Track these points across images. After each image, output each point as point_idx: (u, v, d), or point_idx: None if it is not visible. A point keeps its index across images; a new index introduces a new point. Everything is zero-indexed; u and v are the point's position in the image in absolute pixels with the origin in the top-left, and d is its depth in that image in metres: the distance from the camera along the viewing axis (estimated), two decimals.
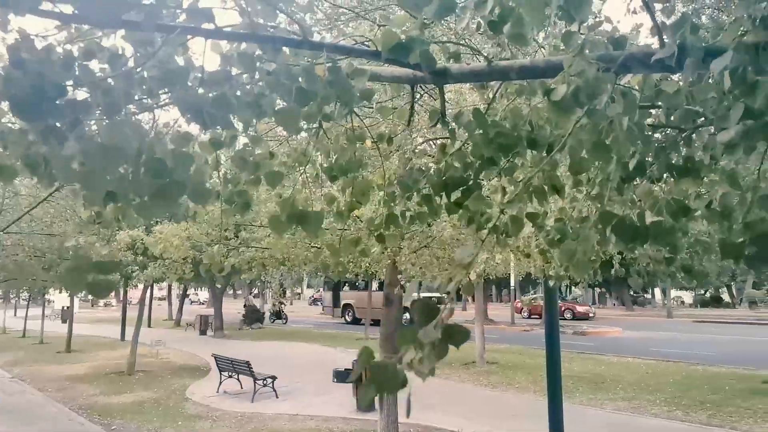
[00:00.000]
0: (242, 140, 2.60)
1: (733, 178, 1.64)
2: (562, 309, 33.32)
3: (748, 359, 17.28)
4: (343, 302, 35.38)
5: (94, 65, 1.69)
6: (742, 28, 1.16)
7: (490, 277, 17.75)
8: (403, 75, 1.78)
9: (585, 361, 17.84)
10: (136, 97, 1.76)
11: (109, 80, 1.59)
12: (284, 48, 1.77)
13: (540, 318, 33.77)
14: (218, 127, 1.89)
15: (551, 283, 6.80)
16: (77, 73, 1.45)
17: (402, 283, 9.54)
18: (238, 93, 1.74)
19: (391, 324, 8.83)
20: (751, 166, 1.81)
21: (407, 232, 8.45)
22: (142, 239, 10.59)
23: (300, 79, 1.52)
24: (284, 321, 35.25)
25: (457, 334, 1.11)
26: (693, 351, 19.72)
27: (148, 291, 22.56)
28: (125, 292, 27.48)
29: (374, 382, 1.03)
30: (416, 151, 4.98)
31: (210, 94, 1.57)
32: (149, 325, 30.60)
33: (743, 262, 1.70)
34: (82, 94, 1.69)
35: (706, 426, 10.17)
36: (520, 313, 37.66)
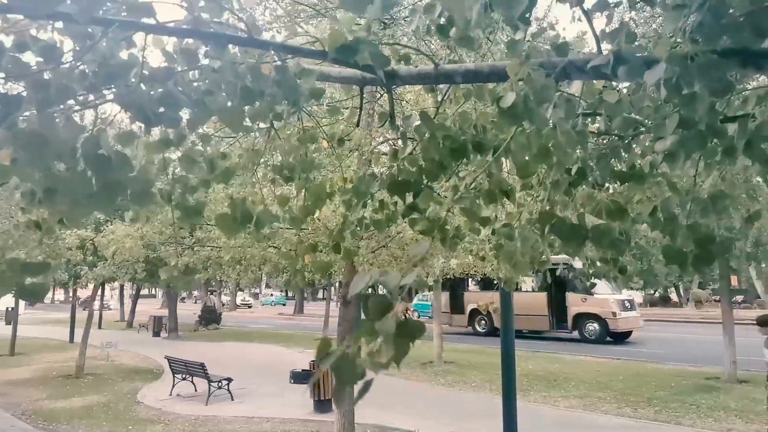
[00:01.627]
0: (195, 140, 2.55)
1: (673, 185, 1.69)
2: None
3: (693, 357, 18.02)
4: (469, 306, 26.40)
5: (30, 58, 1.62)
6: (674, 40, 1.21)
7: (448, 278, 17.91)
8: (352, 76, 1.78)
9: (539, 359, 18.22)
10: (78, 93, 1.70)
11: (46, 74, 1.53)
12: (232, 46, 1.74)
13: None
14: (164, 125, 1.85)
15: (504, 284, 6.92)
16: (9, 65, 1.39)
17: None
18: (183, 90, 1.70)
19: (348, 324, 8.81)
20: (689, 171, 1.88)
21: (365, 232, 8.46)
22: (92, 239, 10.25)
23: (246, 78, 1.49)
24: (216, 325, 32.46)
25: (412, 328, 1.11)
26: (642, 349, 20.43)
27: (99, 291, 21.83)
28: (74, 293, 26.53)
29: (334, 374, 1.03)
30: (374, 152, 5.00)
31: (153, 92, 1.53)
32: (100, 327, 29.65)
33: (687, 266, 1.77)
34: (15, 88, 1.62)
35: (653, 421, 10.54)
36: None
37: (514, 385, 7.90)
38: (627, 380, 14.46)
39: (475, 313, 26.28)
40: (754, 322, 10.17)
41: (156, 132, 2.12)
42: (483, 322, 26.06)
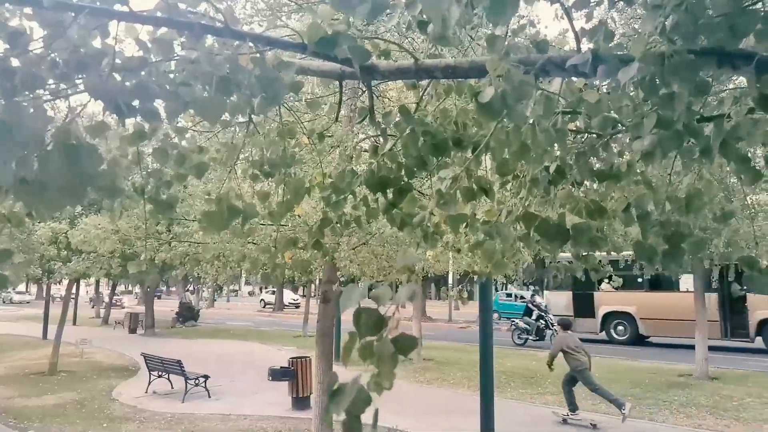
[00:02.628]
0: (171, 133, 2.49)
1: (649, 183, 1.71)
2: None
3: (666, 354, 18.36)
4: (603, 309, 21.73)
5: None
6: (651, 40, 1.21)
7: (429, 275, 18.02)
8: (331, 70, 1.76)
9: (517, 356, 18.39)
10: (49, 83, 1.65)
11: (13, 61, 1.48)
12: (209, 37, 1.70)
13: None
14: (138, 117, 1.81)
15: (481, 280, 6.97)
16: None
17: (341, 279, 9.51)
18: (157, 81, 1.67)
19: (328, 321, 8.78)
20: (666, 170, 1.90)
21: (345, 229, 8.43)
22: (65, 232, 10.04)
23: (223, 69, 1.46)
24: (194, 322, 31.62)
25: (405, 344, 1.09)
26: (616, 346, 20.73)
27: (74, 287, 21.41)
28: (48, 288, 26.02)
29: (339, 405, 1.00)
30: (357, 148, 4.95)
31: (128, 83, 1.49)
32: (75, 323, 29.10)
33: (658, 262, 1.78)
34: None
35: (627, 418, 10.69)
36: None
37: (491, 382, 7.96)
38: (602, 377, 14.63)
39: (610, 316, 21.58)
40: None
41: (131, 124, 2.08)
42: (621, 327, 21.40)
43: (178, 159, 1.87)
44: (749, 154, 1.93)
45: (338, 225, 2.21)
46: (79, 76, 1.63)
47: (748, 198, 11.02)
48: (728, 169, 4.29)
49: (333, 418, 0.97)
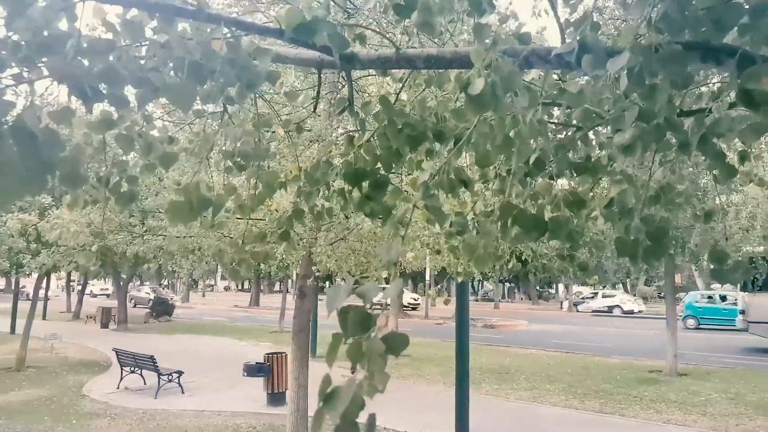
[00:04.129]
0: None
1: (630, 177, 1.70)
2: None
3: (637, 350, 18.71)
4: None
5: None
6: (638, 31, 1.19)
7: (406, 271, 17.98)
8: (310, 58, 1.71)
9: (492, 353, 18.54)
10: (10, 66, 1.57)
11: None
12: (182, 21, 1.64)
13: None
14: (109, 104, 1.73)
15: (460, 278, 6.98)
16: None
17: (317, 274, 9.43)
18: (127, 67, 1.59)
19: (304, 317, 8.71)
20: (645, 164, 1.89)
21: (323, 224, 8.36)
22: (35, 224, 9.77)
23: (196, 54, 1.40)
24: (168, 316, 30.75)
25: (396, 343, 1.04)
26: (590, 343, 21.07)
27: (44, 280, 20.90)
28: (17, 282, 25.36)
29: (335, 410, 0.94)
30: (337, 143, 4.89)
31: (94, 66, 1.42)
32: (44, 318, 28.44)
33: (639, 258, 1.78)
34: None
35: (598, 413, 10.86)
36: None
37: (467, 378, 7.99)
38: (574, 373, 14.87)
39: None
40: None
41: (98, 111, 1.99)
42: None
43: (145, 148, 1.80)
44: (725, 151, 1.93)
45: (310, 216, 2.15)
46: (43, 60, 1.56)
47: (717, 199, 11.27)
48: (702, 168, 4.34)
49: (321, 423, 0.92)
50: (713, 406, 11.20)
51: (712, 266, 1.96)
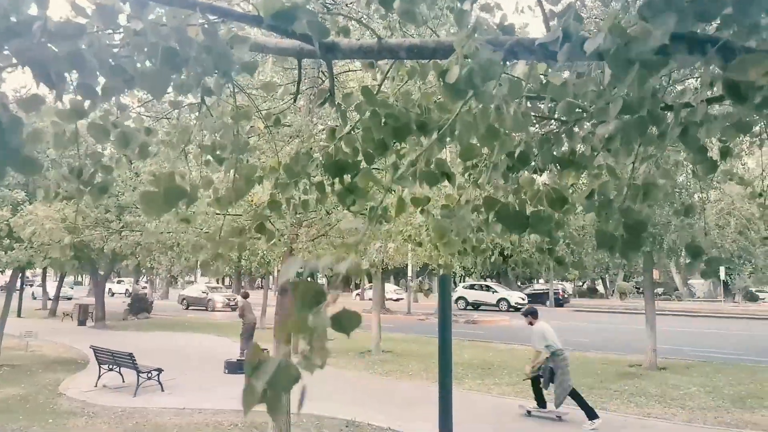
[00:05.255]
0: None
1: (612, 170, 1.69)
2: None
3: (617, 345, 18.96)
4: None
5: None
6: (621, 17, 1.18)
7: (389, 267, 17.99)
8: (290, 47, 1.66)
9: (475, 348, 18.64)
10: None
11: None
12: (156, 7, 1.58)
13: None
14: (78, 93, 1.67)
15: (441, 271, 6.99)
16: None
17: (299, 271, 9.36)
18: (99, 54, 1.53)
19: (286, 313, 8.64)
20: (628, 158, 1.89)
21: (305, 220, 8.29)
22: (7, 220, 9.54)
23: (170, 40, 1.35)
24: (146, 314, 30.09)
25: (347, 320, 1.01)
26: (570, 338, 21.28)
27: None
28: None
29: (262, 381, 0.91)
30: (317, 138, 4.84)
31: (61, 51, 1.36)
32: (19, 315, 27.88)
33: (617, 251, 1.77)
34: None
35: (579, 408, 10.97)
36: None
37: (450, 373, 7.99)
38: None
39: None
40: (523, 315, 10.71)
41: (69, 100, 1.93)
42: None
43: (120, 139, 1.73)
44: (706, 145, 1.94)
45: (286, 208, 2.11)
46: (7, 45, 1.49)
47: (696, 195, 11.44)
48: (682, 164, 4.38)
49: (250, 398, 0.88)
50: (692, 399, 11.39)
51: (688, 261, 1.96)
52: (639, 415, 10.37)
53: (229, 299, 35.62)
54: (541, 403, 10.30)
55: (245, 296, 17.51)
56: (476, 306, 37.83)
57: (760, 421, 9.83)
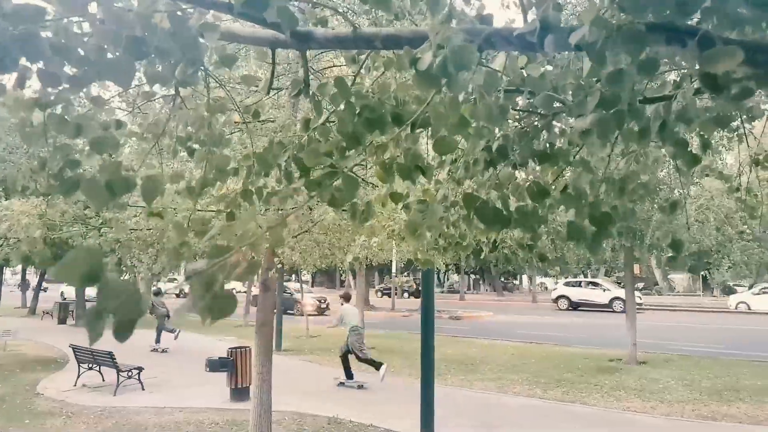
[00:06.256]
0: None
1: (587, 163, 1.67)
2: None
3: (598, 340, 19.17)
4: None
5: None
6: (601, 9, 1.15)
7: (372, 263, 18.03)
8: (263, 36, 1.62)
9: (458, 344, 18.70)
10: None
11: None
12: None
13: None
14: (42, 83, 1.61)
15: (422, 267, 6.97)
16: None
17: (281, 267, 9.29)
18: (67, 44, 1.47)
19: (268, 310, 8.58)
20: (605, 152, 1.87)
21: (287, 215, 8.22)
22: None
23: (135, 27, 1.29)
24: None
25: (223, 304, 1.06)
26: (553, 333, 21.49)
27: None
28: None
29: (106, 306, 0.90)
30: (294, 130, 4.75)
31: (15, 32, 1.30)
32: None
33: (585, 243, 1.76)
34: None
35: (560, 402, 11.06)
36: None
37: (432, 369, 8.00)
38: (538, 363, 15.13)
39: None
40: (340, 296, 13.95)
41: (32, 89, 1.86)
42: None
43: (74, 130, 1.67)
44: (688, 140, 1.93)
45: (258, 198, 2.06)
46: None
47: (677, 190, 11.57)
48: (663, 160, 4.40)
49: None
50: (670, 392, 11.55)
51: (669, 255, 1.96)
52: (618, 408, 10.48)
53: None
54: (349, 374, 12.41)
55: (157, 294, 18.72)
56: (578, 307, 32.03)
57: (735, 413, 10.00)
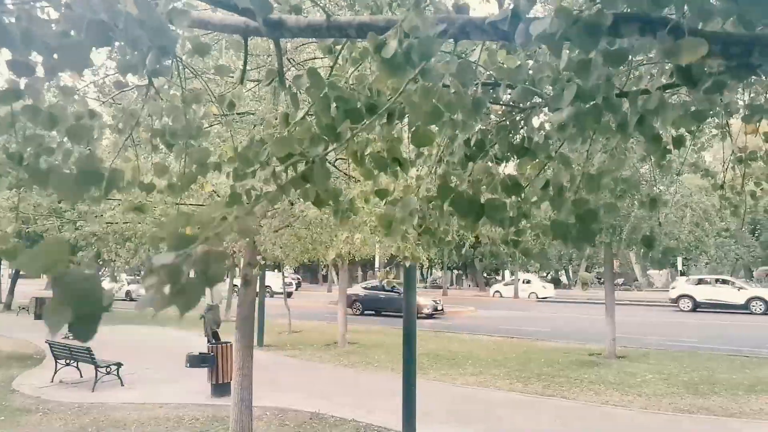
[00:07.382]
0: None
1: (566, 158, 1.67)
2: None
3: (578, 334, 19.39)
4: None
5: None
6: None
7: (356, 259, 17.99)
8: (235, 24, 1.58)
9: (441, 339, 18.78)
10: None
11: None
12: None
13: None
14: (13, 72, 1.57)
15: (407, 263, 6.96)
16: None
17: (262, 262, 9.22)
18: (37, 31, 1.43)
19: (249, 305, 8.51)
20: (583, 147, 1.87)
21: (268, 211, 8.15)
22: None
23: (98, 12, 1.25)
24: None
25: (187, 297, 1.00)
26: (534, 328, 21.68)
27: None
28: None
29: (63, 300, 0.84)
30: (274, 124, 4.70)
31: None
32: None
33: (570, 240, 1.76)
34: None
35: (540, 396, 11.17)
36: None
37: (414, 364, 8.01)
38: (519, 357, 15.25)
39: None
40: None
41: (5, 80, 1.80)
42: None
43: (47, 120, 1.62)
44: (661, 134, 1.94)
45: (247, 200, 2.03)
46: None
47: (655, 188, 11.70)
48: (634, 151, 4.43)
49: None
50: (648, 386, 11.72)
51: (642, 251, 1.97)
52: (597, 402, 10.61)
53: None
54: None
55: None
56: (707, 307, 26.96)
57: (711, 406, 10.18)
